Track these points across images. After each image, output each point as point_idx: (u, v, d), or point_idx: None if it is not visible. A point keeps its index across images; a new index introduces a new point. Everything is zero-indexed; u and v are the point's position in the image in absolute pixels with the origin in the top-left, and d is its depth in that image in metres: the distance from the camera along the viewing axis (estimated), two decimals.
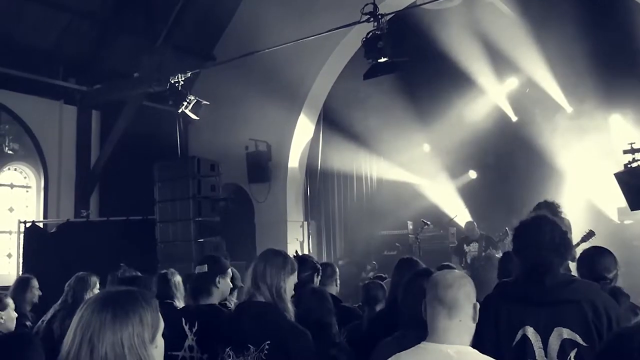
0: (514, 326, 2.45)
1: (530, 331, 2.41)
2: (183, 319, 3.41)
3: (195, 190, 7.61)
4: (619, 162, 6.50)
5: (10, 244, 9.91)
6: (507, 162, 11.41)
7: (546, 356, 2.37)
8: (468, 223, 10.10)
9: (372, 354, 2.69)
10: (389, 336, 2.69)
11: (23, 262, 8.82)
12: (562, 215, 5.36)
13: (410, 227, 11.85)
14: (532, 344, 2.39)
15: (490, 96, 11.62)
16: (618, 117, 10.38)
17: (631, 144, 6.25)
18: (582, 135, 10.10)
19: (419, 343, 2.15)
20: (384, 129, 11.78)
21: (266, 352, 2.70)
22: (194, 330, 3.39)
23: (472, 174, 12.56)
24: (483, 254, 9.29)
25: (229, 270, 3.76)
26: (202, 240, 7.55)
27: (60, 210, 10.15)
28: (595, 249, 3.60)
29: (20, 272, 8.42)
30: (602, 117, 10.21)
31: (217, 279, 3.60)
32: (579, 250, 3.83)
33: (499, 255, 8.49)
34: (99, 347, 1.56)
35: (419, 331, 2.23)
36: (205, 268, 3.57)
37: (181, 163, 8.19)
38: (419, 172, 12.57)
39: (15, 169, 10.15)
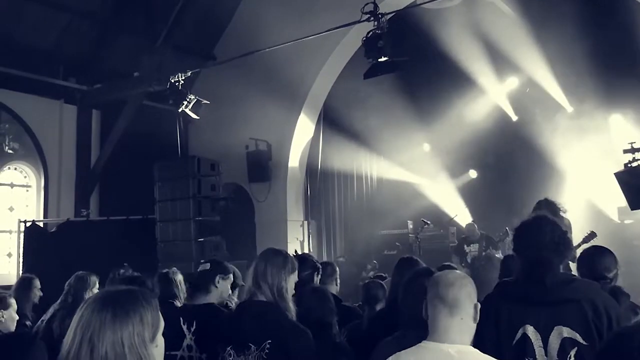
0: (514, 325, 2.45)
1: (530, 330, 2.41)
2: (181, 319, 3.41)
3: (196, 189, 7.61)
4: (619, 162, 6.50)
5: (10, 243, 9.91)
6: (507, 161, 11.43)
7: (546, 355, 2.37)
8: (469, 224, 10.11)
9: (372, 354, 2.68)
10: (389, 336, 2.69)
11: (23, 262, 8.82)
12: (562, 214, 5.36)
13: (411, 226, 11.86)
14: (532, 343, 2.39)
15: (491, 96, 11.63)
16: (618, 117, 10.39)
17: (631, 143, 6.24)
18: (583, 135, 10.10)
19: (420, 342, 2.15)
20: (384, 128, 11.79)
21: (267, 351, 2.71)
22: (192, 329, 3.39)
23: (473, 174, 12.57)
24: (483, 253, 9.30)
25: (231, 275, 3.77)
26: (202, 239, 7.54)
27: (61, 209, 10.15)
28: (596, 249, 3.60)
29: (21, 272, 8.42)
30: (602, 116, 10.22)
31: (218, 278, 3.60)
32: (579, 251, 3.83)
33: (499, 255, 8.51)
34: (99, 346, 1.56)
35: (419, 331, 2.23)
36: (207, 266, 3.59)
37: (181, 162, 8.18)
38: (419, 171, 12.58)
39: (16, 169, 10.15)
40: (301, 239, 11.28)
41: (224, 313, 3.56)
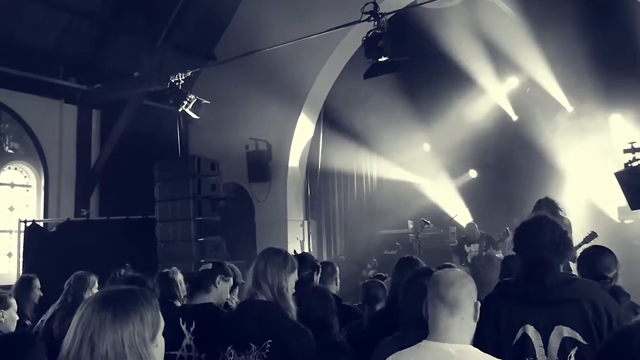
0: (515, 325, 2.45)
1: (530, 330, 2.41)
2: (180, 318, 3.41)
3: (196, 189, 7.61)
4: (619, 162, 6.50)
5: (10, 243, 9.91)
6: (507, 161, 11.45)
7: (546, 355, 2.37)
8: (469, 224, 10.09)
9: (372, 354, 2.68)
10: (389, 336, 2.69)
11: (23, 262, 8.83)
12: (562, 214, 5.37)
13: (411, 226, 11.86)
14: (533, 343, 2.40)
15: (491, 95, 11.63)
16: (618, 117, 10.38)
17: (631, 143, 6.24)
18: (583, 135, 10.11)
19: (420, 342, 2.15)
20: (384, 128, 11.79)
21: (268, 350, 2.70)
22: (191, 329, 3.40)
23: (473, 174, 12.57)
24: (484, 253, 9.29)
25: (231, 278, 3.78)
26: (202, 239, 7.54)
27: (61, 209, 10.16)
28: (596, 249, 3.60)
29: (21, 272, 8.42)
30: (602, 116, 10.22)
31: (219, 279, 3.61)
32: (580, 252, 3.83)
33: (499, 255, 8.51)
34: (99, 345, 1.56)
35: (419, 330, 2.22)
36: (209, 266, 3.60)
37: (181, 162, 8.18)
38: (419, 171, 12.58)
39: (16, 168, 10.15)
40: (301, 239, 11.28)
41: (223, 313, 3.56)
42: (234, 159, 10.61)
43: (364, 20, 6.99)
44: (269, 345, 2.70)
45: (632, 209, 6.61)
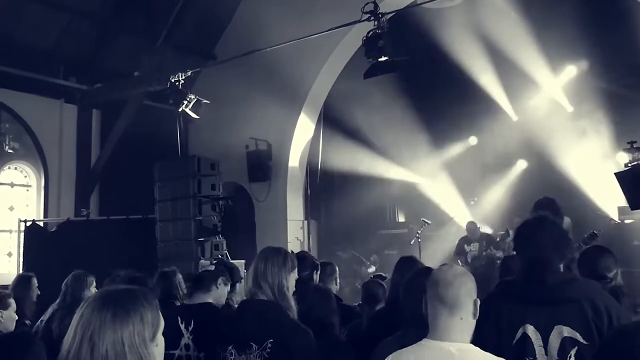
0: (515, 325, 2.45)
1: (530, 329, 2.41)
2: (179, 318, 3.42)
3: (196, 189, 7.60)
4: (618, 162, 6.50)
5: (10, 242, 9.91)
6: (508, 160, 11.46)
7: (546, 354, 2.37)
8: (469, 223, 9.99)
9: (372, 354, 2.68)
10: (389, 335, 2.69)
11: (23, 261, 8.83)
12: (563, 214, 5.36)
13: (411, 226, 11.84)
14: (533, 342, 2.40)
15: (491, 95, 11.61)
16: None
17: (631, 142, 6.23)
18: (583, 135, 10.12)
19: (420, 340, 2.15)
20: (384, 127, 11.77)
21: (269, 350, 2.70)
22: (190, 328, 3.41)
23: (473, 173, 12.56)
24: (484, 253, 9.28)
25: (229, 283, 3.80)
26: (202, 239, 7.54)
27: (61, 209, 10.16)
28: (596, 249, 3.61)
29: (21, 271, 8.41)
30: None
31: (220, 280, 3.63)
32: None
33: (499, 255, 8.50)
34: (99, 345, 1.56)
35: (420, 330, 2.22)
36: (211, 267, 3.62)
37: (181, 162, 8.18)
38: (419, 171, 12.57)
39: (16, 168, 10.15)
40: (301, 239, 11.28)
41: (222, 312, 3.57)
42: (234, 159, 10.61)
43: (364, 20, 6.99)
44: (270, 345, 2.70)
45: (632, 209, 6.61)
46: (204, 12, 10.76)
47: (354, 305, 4.71)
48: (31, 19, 9.26)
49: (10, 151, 9.81)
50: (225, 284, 3.78)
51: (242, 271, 6.11)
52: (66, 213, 9.91)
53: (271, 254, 2.98)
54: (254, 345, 2.73)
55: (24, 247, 8.95)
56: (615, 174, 6.15)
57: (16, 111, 9.70)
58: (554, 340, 2.36)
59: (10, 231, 9.86)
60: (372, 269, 11.14)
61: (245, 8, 11.40)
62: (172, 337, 3.18)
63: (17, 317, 3.94)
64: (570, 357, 2.33)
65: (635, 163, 5.99)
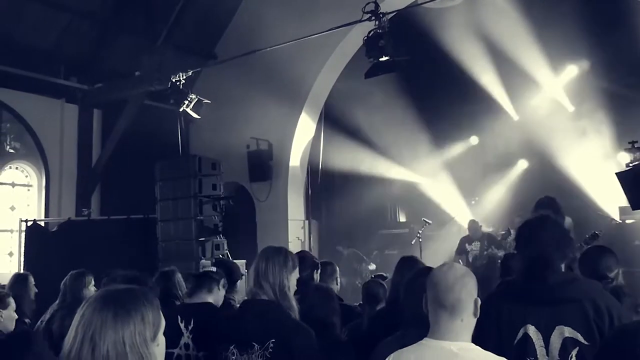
0: (516, 325, 2.45)
1: (531, 330, 2.41)
2: (179, 317, 3.42)
3: (197, 189, 7.60)
4: (619, 162, 6.50)
5: (11, 242, 9.92)
6: (510, 160, 11.45)
7: (547, 355, 2.37)
8: (471, 222, 9.89)
9: (373, 354, 2.68)
10: (390, 335, 2.69)
11: (24, 261, 8.83)
12: (564, 213, 5.36)
13: (412, 225, 11.84)
14: (534, 343, 2.39)
15: (492, 95, 11.61)
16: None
17: (632, 142, 6.22)
18: (584, 135, 10.12)
19: (421, 340, 2.15)
20: (385, 127, 11.78)
21: (271, 350, 2.70)
22: (189, 328, 3.41)
23: (474, 173, 12.55)
24: (485, 252, 9.25)
25: (224, 286, 3.81)
26: (203, 239, 7.54)
27: (62, 208, 10.17)
28: (597, 249, 3.61)
29: (22, 271, 8.42)
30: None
31: (223, 281, 3.64)
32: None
33: (501, 254, 8.48)
34: (100, 345, 1.56)
35: (420, 330, 2.21)
36: (212, 267, 3.63)
37: (182, 162, 8.17)
38: (420, 170, 12.57)
39: (17, 168, 10.16)
40: (302, 239, 11.28)
41: (222, 312, 3.58)
42: (235, 159, 10.61)
43: (365, 20, 6.99)
44: (271, 345, 2.70)
45: (633, 209, 6.60)
46: (205, 12, 10.77)
47: (355, 305, 4.71)
48: (31, 19, 9.27)
49: (12, 151, 9.82)
50: (224, 287, 3.81)
51: (243, 271, 6.11)
52: (67, 213, 9.92)
53: (272, 253, 2.98)
54: (256, 345, 2.73)
55: (25, 246, 8.96)
56: (616, 173, 6.15)
57: (17, 111, 9.71)
58: (555, 341, 2.36)
59: (11, 231, 9.87)
60: (372, 266, 11.13)
61: (245, 8, 11.41)
62: (171, 336, 3.17)
63: (16, 316, 3.94)
64: (571, 357, 2.32)
65: (636, 163, 5.99)
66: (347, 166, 12.37)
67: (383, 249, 11.88)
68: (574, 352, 2.33)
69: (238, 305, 3.75)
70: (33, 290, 5.05)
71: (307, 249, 10.90)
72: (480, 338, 2.14)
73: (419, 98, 11.41)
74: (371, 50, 6.98)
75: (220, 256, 7.39)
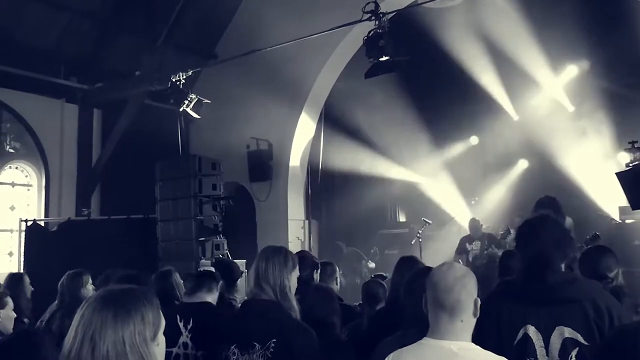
0: (516, 325, 2.45)
1: (531, 330, 2.41)
2: (178, 316, 3.42)
3: (197, 189, 7.60)
4: (619, 162, 6.50)
5: (11, 242, 9.92)
6: (510, 160, 11.44)
7: (547, 355, 2.37)
8: (472, 220, 9.81)
9: (373, 354, 2.68)
10: (389, 335, 2.69)
11: (24, 261, 8.83)
12: (564, 213, 5.35)
13: (412, 225, 11.84)
14: (534, 343, 2.39)
15: (492, 95, 11.61)
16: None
17: (632, 142, 6.22)
18: (583, 135, 10.12)
19: (420, 339, 2.15)
20: (385, 127, 11.78)
21: (272, 350, 2.70)
22: (188, 327, 3.41)
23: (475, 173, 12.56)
24: (485, 252, 9.23)
25: (219, 287, 3.83)
26: (203, 239, 7.54)
27: (62, 208, 10.17)
28: (597, 249, 3.61)
29: (22, 271, 8.41)
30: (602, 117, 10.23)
31: (222, 283, 3.64)
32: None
33: (501, 253, 8.45)
34: (100, 345, 1.56)
35: (420, 330, 2.21)
36: (211, 267, 3.63)
37: (182, 162, 8.17)
38: (420, 170, 12.57)
39: (17, 168, 10.16)
40: (302, 239, 11.28)
41: (221, 312, 3.58)
42: (235, 159, 10.61)
43: (365, 20, 6.99)
44: (272, 345, 2.70)
45: (633, 209, 6.60)
46: (205, 12, 10.77)
47: (355, 305, 4.71)
48: (31, 19, 9.27)
49: (11, 151, 9.82)
50: (220, 288, 3.84)
51: (243, 270, 6.11)
52: (67, 213, 9.92)
53: (272, 253, 2.97)
54: (257, 344, 2.73)
55: (24, 246, 8.96)
56: (616, 173, 6.15)
57: (17, 111, 9.71)
58: (555, 341, 2.36)
59: (11, 231, 9.87)
60: (372, 265, 11.12)
61: (246, 7, 11.41)
62: (170, 335, 3.18)
63: (15, 315, 3.93)
64: (571, 357, 2.32)
65: (636, 163, 5.99)
66: (347, 166, 12.37)
67: (383, 249, 11.87)
68: (574, 353, 2.33)
69: (239, 305, 3.75)
70: (29, 289, 5.04)
71: (307, 248, 10.90)
72: (480, 338, 2.14)
73: (419, 98, 11.41)
74: (371, 50, 6.98)
75: (220, 256, 7.39)
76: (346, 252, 11.46)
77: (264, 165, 11.10)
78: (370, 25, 7.01)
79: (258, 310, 2.87)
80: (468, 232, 9.86)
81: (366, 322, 3.70)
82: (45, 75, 9.58)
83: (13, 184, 10.10)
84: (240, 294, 4.76)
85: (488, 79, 11.12)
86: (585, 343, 2.32)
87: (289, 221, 11.05)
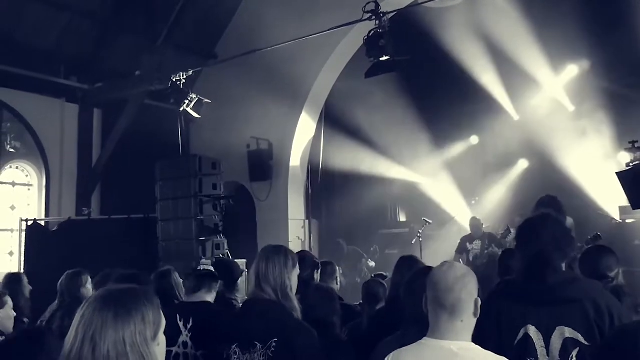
0: (516, 325, 2.45)
1: (532, 330, 2.41)
2: (178, 315, 3.42)
3: (197, 188, 7.60)
4: (620, 162, 6.50)
5: (12, 242, 9.93)
6: (510, 160, 11.43)
7: (548, 355, 2.36)
8: (473, 219, 9.75)
9: (373, 354, 2.68)
10: (389, 335, 2.69)
11: (24, 260, 8.84)
12: (565, 212, 5.35)
13: (412, 225, 11.83)
14: (534, 343, 2.39)
15: (492, 94, 11.61)
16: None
17: (633, 142, 6.22)
18: (583, 135, 10.12)
19: (420, 339, 2.15)
20: (385, 127, 11.78)
21: (273, 349, 2.70)
22: (188, 326, 3.41)
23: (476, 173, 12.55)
24: (486, 251, 9.22)
25: (218, 286, 3.83)
26: (203, 238, 7.54)
27: (62, 208, 10.17)
28: (597, 248, 3.61)
29: (22, 271, 8.42)
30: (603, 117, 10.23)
31: (222, 282, 3.64)
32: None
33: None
34: (101, 345, 1.56)
35: (420, 330, 2.21)
36: (211, 267, 3.63)
37: (183, 161, 8.17)
38: (420, 170, 12.57)
39: (17, 167, 10.16)
40: (303, 238, 11.28)
41: (221, 311, 3.58)
42: (236, 158, 10.61)
43: (365, 20, 6.99)
44: (274, 344, 2.70)
45: (633, 209, 6.60)
46: (205, 12, 10.77)
47: (355, 304, 4.72)
48: (32, 19, 9.27)
49: (12, 150, 9.83)
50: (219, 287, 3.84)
51: (244, 270, 6.11)
52: (67, 212, 9.92)
53: (271, 253, 2.96)
54: (258, 344, 2.73)
55: (25, 246, 8.96)
56: (616, 173, 6.15)
57: (17, 110, 9.71)
58: (556, 341, 2.36)
59: (12, 230, 9.87)
60: (372, 263, 11.12)
61: (246, 7, 11.41)
62: (170, 334, 3.18)
63: (14, 314, 3.93)
64: (571, 357, 2.32)
65: (636, 163, 5.99)
66: (348, 166, 12.37)
67: (383, 248, 11.87)
68: (574, 353, 2.33)
69: (240, 305, 3.75)
70: (28, 288, 5.04)
71: (307, 248, 10.90)
72: (480, 338, 2.14)
73: (419, 98, 11.40)
74: (371, 50, 6.97)
75: (221, 255, 7.39)
76: (347, 251, 11.45)
77: (264, 164, 11.10)
78: (371, 25, 7.01)
79: (259, 309, 2.87)
80: (468, 232, 9.84)
81: (366, 321, 3.71)
82: (45, 75, 9.59)
83: (13, 184, 10.11)
84: (241, 294, 4.76)
85: (488, 79, 11.11)
86: (586, 343, 2.32)
87: (289, 221, 11.05)
